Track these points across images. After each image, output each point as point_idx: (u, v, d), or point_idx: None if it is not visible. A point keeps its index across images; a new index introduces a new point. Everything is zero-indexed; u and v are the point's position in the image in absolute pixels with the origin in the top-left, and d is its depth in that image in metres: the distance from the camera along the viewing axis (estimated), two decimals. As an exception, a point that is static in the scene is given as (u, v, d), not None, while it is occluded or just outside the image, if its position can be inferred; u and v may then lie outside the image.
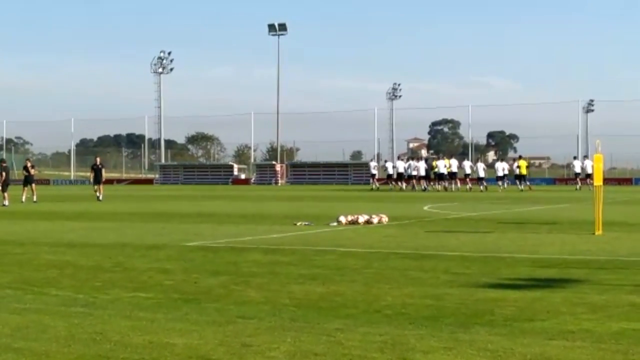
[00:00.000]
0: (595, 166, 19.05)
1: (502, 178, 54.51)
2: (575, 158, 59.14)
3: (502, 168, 55.01)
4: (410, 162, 56.97)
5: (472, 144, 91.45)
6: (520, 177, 54.32)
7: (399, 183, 56.15)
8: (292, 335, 7.33)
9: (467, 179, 54.44)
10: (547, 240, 16.85)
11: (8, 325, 7.91)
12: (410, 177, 55.19)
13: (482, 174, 53.75)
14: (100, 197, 39.47)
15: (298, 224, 21.62)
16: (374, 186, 58.58)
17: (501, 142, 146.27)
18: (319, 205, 34.18)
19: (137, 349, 6.90)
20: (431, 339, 7.17)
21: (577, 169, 55.53)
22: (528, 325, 7.79)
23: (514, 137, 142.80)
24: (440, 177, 53.73)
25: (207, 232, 19.39)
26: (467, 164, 56.06)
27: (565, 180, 75.25)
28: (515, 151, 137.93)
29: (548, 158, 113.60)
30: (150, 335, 7.41)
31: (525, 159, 57.32)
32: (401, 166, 56.32)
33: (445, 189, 52.58)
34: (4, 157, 47.87)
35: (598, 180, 18.81)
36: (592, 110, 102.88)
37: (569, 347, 6.86)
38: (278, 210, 30.38)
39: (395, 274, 11.52)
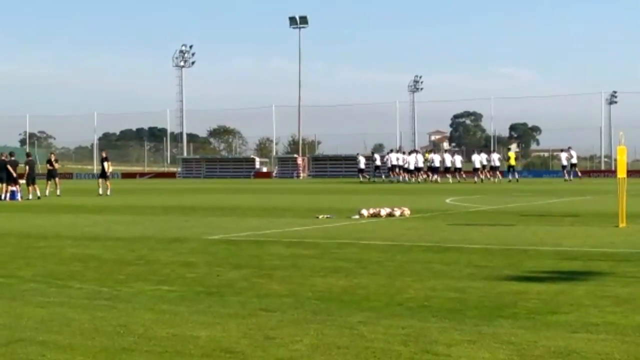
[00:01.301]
0: (618, 158, 18.92)
1: (495, 168, 56.64)
2: (562, 151, 60.16)
3: (497, 158, 57.13)
4: (400, 155, 58.18)
5: (494, 137, 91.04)
6: (511, 168, 57.32)
7: (391, 175, 57.68)
8: (314, 328, 7.34)
9: (447, 172, 55.79)
10: (570, 232, 16.78)
11: (33, 319, 7.97)
12: (401, 169, 56.75)
13: (497, 164, 56.20)
14: (108, 192, 38.10)
15: (320, 217, 21.63)
16: (361, 178, 60.12)
17: (523, 135, 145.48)
18: (340, 198, 34.17)
19: (161, 341, 6.93)
20: (454, 332, 7.16)
21: (564, 162, 57.28)
22: (552, 318, 7.76)
23: (536, 129, 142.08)
24: (434, 170, 55.68)
25: (230, 225, 19.43)
26: (476, 158, 56.75)
27: (588, 173, 74.82)
28: (538, 143, 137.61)
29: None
30: (174, 327, 7.45)
31: (512, 150, 61.01)
32: (394, 158, 57.33)
33: (437, 181, 54.18)
34: (28, 151, 47.88)
35: (622, 173, 18.68)
36: (616, 102, 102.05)
37: (592, 339, 6.84)
38: (300, 203, 30.40)
39: (417, 267, 11.51)
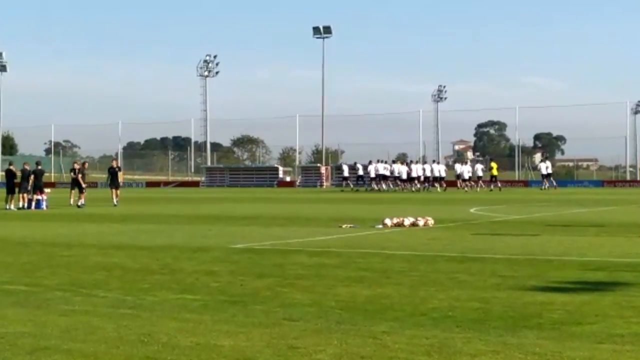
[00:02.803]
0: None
1: (479, 178, 60.45)
2: (541, 161, 65.04)
3: (480, 169, 61.23)
4: (377, 164, 60.24)
5: (518, 146, 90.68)
6: (493, 178, 61.07)
7: (373, 184, 59.63)
8: (338, 338, 7.33)
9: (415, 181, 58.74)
10: (596, 242, 16.67)
11: (57, 327, 8.00)
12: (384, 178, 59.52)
13: (480, 174, 60.79)
14: (116, 202, 36.99)
15: (343, 226, 21.62)
16: (344, 187, 63.02)
17: (548, 144, 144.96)
18: (364, 207, 34.15)
19: (185, 350, 6.94)
20: (478, 342, 7.13)
21: (544, 170, 60.75)
22: (577, 329, 7.72)
23: (561, 138, 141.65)
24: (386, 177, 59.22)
25: (253, 235, 19.45)
26: (460, 168, 60.75)
27: (613, 182, 74.43)
28: (563, 153, 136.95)
29: (596, 160, 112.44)
30: (198, 336, 7.46)
31: (495, 161, 65.27)
32: (381, 168, 59.41)
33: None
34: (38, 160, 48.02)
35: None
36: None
37: (618, 350, 6.79)
38: (323, 212, 30.40)
39: (441, 277, 11.47)
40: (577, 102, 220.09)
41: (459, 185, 59.44)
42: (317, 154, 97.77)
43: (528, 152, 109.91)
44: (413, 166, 59.54)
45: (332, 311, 8.77)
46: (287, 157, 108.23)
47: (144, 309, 9.00)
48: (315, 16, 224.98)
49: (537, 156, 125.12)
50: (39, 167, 37.12)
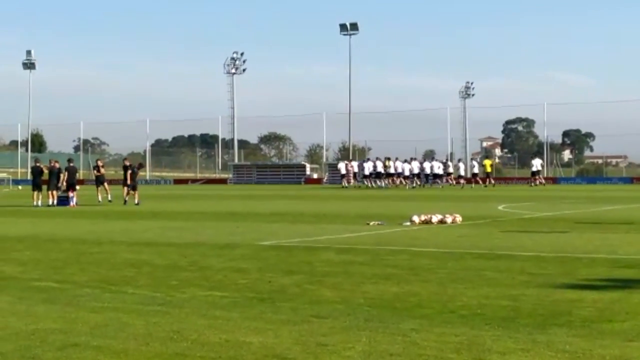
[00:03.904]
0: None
1: (474, 175, 62.78)
2: (531, 158, 67.07)
3: (476, 167, 63.60)
4: (366, 163, 63.03)
5: (547, 143, 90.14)
6: (487, 175, 62.38)
7: (366, 181, 61.34)
8: (367, 335, 7.33)
9: (397, 177, 61.18)
10: (626, 240, 16.55)
11: (87, 324, 8.05)
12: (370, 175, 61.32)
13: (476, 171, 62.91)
14: (136, 201, 35.22)
15: (371, 223, 21.59)
16: (344, 184, 62.97)
17: (577, 141, 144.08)
18: (391, 204, 34.10)
19: (214, 347, 6.97)
20: (508, 340, 7.10)
21: (534, 168, 62.98)
22: (607, 326, 7.67)
23: (590, 135, 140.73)
24: (389, 175, 61.04)
25: (281, 232, 19.48)
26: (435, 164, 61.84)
27: (643, 179, 73.79)
28: (592, 150, 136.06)
29: (625, 157, 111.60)
30: (227, 333, 7.48)
31: (490, 158, 68.12)
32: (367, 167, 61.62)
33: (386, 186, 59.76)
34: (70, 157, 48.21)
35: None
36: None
37: (649, 349, 6.73)
38: (350, 209, 30.39)
39: (470, 274, 11.43)
40: (605, 98, 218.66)
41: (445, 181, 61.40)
42: (344, 151, 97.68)
43: (556, 149, 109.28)
44: (409, 164, 61.31)
45: (360, 308, 8.76)
46: (314, 154, 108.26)
47: (173, 306, 9.04)
48: (342, 13, 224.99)
49: (566, 153, 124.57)
50: (71, 164, 37.37)
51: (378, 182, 60.69)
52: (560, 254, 13.94)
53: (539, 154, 78.01)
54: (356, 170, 63.56)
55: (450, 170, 62.74)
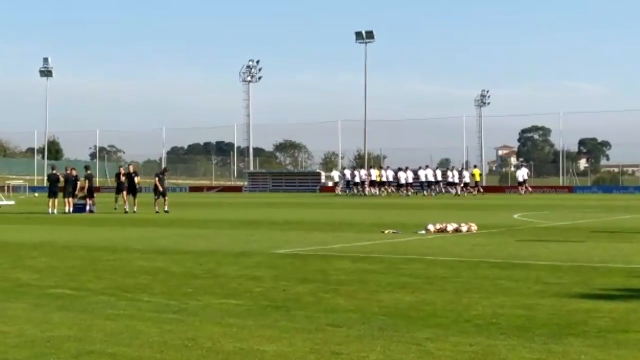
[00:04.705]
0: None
1: (466, 185, 63.29)
2: (517, 168, 70.45)
3: (466, 176, 63.66)
4: (357, 171, 65.94)
5: (563, 152, 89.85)
6: (475, 184, 63.80)
7: (356, 189, 63.83)
8: (382, 344, 7.32)
9: (384, 186, 63.27)
10: (642, 250, 16.46)
11: (103, 331, 8.07)
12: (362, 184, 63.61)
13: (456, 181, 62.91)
14: (166, 209, 34.98)
15: (386, 232, 21.57)
16: (339, 192, 65.91)
17: (593, 150, 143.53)
18: (406, 213, 34.05)
19: (229, 355, 6.97)
20: (523, 350, 7.07)
21: (520, 178, 64.61)
22: (623, 337, 7.63)
23: (606, 144, 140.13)
24: (382, 184, 63.13)
25: (296, 240, 19.48)
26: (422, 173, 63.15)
27: (659, 189, 73.39)
28: (608, 159, 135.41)
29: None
30: (242, 342, 7.48)
31: (477, 167, 68.78)
32: (357, 175, 64.29)
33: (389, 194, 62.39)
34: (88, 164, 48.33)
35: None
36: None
37: (666, 360, 6.70)
38: (365, 218, 30.36)
39: (485, 284, 11.40)
40: (622, 107, 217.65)
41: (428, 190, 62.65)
42: (359, 159, 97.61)
43: (573, 157, 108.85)
44: (402, 173, 63.01)
45: (375, 317, 8.75)
46: (329, 163, 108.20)
47: (188, 314, 9.05)
48: (358, 21, 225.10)
49: (582, 162, 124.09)
50: (89, 172, 37.54)
51: (373, 190, 62.54)
52: (576, 264, 13.88)
53: (525, 165, 79.41)
54: (349, 178, 65.48)
55: (467, 179, 63.60)
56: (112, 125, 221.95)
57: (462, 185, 62.42)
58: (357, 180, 63.81)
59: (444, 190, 63.06)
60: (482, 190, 64.02)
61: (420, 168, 65.12)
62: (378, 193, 62.45)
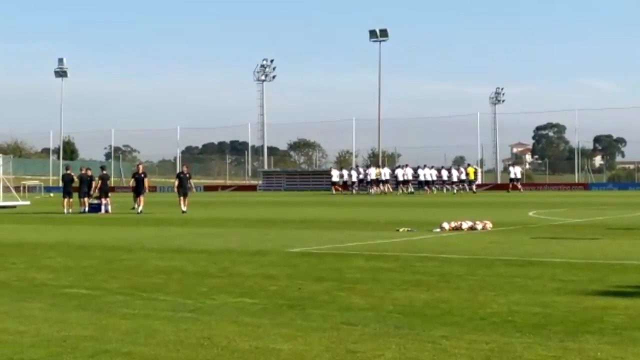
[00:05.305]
0: None
1: (462, 182, 64.61)
2: (509, 165, 72.28)
3: (457, 175, 64.91)
4: (353, 171, 68.08)
5: (578, 149, 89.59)
6: (470, 182, 64.80)
7: (351, 188, 65.82)
8: (397, 342, 7.31)
9: (382, 184, 64.76)
10: (658, 246, 16.39)
11: (118, 330, 8.09)
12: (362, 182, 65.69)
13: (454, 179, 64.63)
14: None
15: (400, 230, 21.55)
16: (333, 191, 66.49)
17: (608, 147, 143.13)
18: (421, 211, 34.01)
19: (244, 354, 6.98)
20: (539, 347, 7.05)
21: (512, 175, 66.76)
22: (639, 333, 7.59)
23: (621, 141, 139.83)
24: (377, 182, 64.60)
25: (310, 238, 19.49)
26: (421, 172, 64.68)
27: (674, 185, 73.10)
28: (623, 155, 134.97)
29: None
30: (257, 340, 7.49)
31: (472, 165, 69.38)
32: (354, 175, 66.51)
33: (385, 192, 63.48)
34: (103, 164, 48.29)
35: None
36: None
37: (683, 357, 6.67)
38: (380, 216, 30.34)
39: (500, 281, 11.38)
40: (636, 103, 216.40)
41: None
42: (373, 157, 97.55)
43: (587, 154, 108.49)
44: (400, 170, 64.88)
45: (390, 315, 8.74)
46: (343, 161, 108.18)
47: (203, 313, 9.07)
48: (372, 20, 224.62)
49: (597, 158, 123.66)
50: (104, 172, 37.65)
51: (370, 189, 64.01)
52: (591, 261, 13.84)
53: (519, 163, 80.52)
54: (346, 178, 67.07)
55: (462, 177, 64.87)
56: (127, 125, 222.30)
57: (459, 183, 63.84)
58: (354, 179, 65.64)
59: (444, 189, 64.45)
60: (474, 188, 65.16)
61: (418, 167, 66.37)
62: (378, 191, 63.63)
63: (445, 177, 64.68)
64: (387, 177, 65.02)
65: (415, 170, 65.58)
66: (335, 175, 67.85)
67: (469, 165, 70.02)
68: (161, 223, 27.26)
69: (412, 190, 63.06)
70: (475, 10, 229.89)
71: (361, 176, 65.84)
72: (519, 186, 65.62)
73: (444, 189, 64.35)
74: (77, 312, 9.29)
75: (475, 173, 68.19)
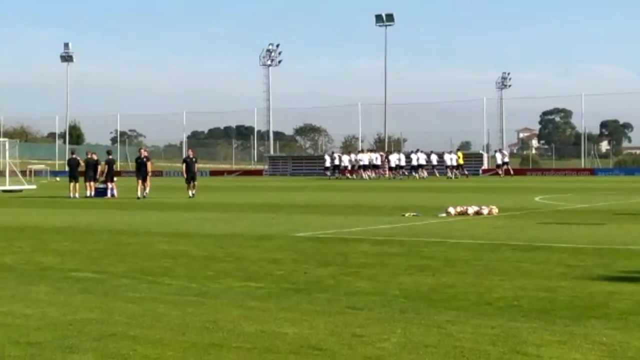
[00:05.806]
0: None
1: (455, 167, 64.19)
2: (496, 151, 70.78)
3: (449, 159, 64.27)
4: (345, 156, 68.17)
5: (584, 134, 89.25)
6: (459, 167, 64.66)
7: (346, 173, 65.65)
8: (402, 327, 7.31)
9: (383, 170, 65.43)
10: (664, 232, 16.36)
11: (124, 314, 8.11)
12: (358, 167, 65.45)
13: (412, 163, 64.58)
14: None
15: (406, 214, 21.55)
16: (329, 176, 66.59)
17: (615, 132, 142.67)
18: (427, 196, 34.00)
19: (249, 337, 6.99)
20: (544, 332, 7.05)
21: (499, 161, 66.68)
22: (645, 319, 7.59)
23: (628, 126, 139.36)
24: (367, 167, 64.70)
25: (316, 223, 19.49)
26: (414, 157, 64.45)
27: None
28: (630, 141, 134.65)
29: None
30: (262, 324, 7.50)
31: (461, 151, 69.53)
32: (346, 160, 66.48)
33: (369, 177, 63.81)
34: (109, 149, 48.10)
35: None
36: None
37: (688, 342, 6.66)
38: (386, 201, 30.34)
39: (506, 266, 11.38)
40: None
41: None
42: (379, 142, 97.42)
43: (594, 139, 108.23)
44: (392, 156, 65.52)
45: (395, 300, 8.75)
46: (349, 146, 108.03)
47: (209, 297, 9.08)
48: (378, 4, 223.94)
49: (604, 144, 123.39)
50: (110, 157, 37.66)
51: (366, 174, 64.08)
52: (597, 246, 13.82)
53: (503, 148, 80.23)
54: (346, 163, 66.79)
55: (453, 162, 64.60)
56: (133, 109, 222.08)
57: (453, 168, 63.74)
58: (346, 163, 65.72)
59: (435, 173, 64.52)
60: (466, 172, 65.15)
61: (412, 152, 66.62)
62: (372, 176, 63.81)
63: (434, 162, 64.86)
64: (379, 162, 65.17)
65: (407, 155, 65.96)
66: (327, 161, 68.37)
67: (458, 150, 70.61)
68: (167, 207, 27.29)
69: (425, 175, 63.10)
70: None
71: (353, 162, 65.80)
72: (500, 171, 65.86)
73: (436, 173, 64.37)
74: (83, 295, 9.32)
75: (464, 158, 68.27)
